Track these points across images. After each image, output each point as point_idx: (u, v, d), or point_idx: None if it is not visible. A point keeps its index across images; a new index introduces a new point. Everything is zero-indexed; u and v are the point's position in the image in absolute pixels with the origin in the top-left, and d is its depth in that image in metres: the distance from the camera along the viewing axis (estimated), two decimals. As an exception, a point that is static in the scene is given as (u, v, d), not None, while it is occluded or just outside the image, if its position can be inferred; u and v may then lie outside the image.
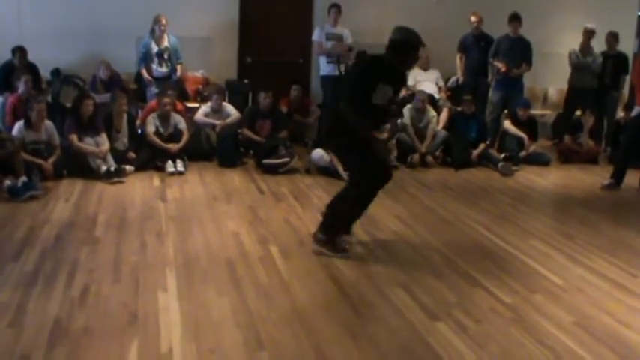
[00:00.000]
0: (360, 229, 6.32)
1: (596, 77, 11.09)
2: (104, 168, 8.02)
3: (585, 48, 11.08)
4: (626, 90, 11.98)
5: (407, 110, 9.72)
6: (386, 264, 5.48)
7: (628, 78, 11.38)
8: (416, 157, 9.38)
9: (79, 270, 5.05)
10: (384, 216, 6.87)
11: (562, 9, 12.78)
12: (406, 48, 5.52)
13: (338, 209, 5.69)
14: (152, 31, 9.85)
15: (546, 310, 4.67)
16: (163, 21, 9.76)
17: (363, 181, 5.62)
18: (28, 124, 7.98)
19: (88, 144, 8.22)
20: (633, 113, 8.65)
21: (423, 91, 10.27)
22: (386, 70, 5.51)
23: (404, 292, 4.86)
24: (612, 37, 11.23)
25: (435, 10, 12.02)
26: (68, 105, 9.15)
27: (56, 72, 10.41)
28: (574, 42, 11.22)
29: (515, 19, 10.72)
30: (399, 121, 9.85)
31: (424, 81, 11.25)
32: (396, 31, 5.58)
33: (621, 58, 11.31)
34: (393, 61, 5.54)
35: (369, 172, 5.59)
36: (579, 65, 11.04)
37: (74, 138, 8.19)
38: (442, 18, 11.72)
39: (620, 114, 10.99)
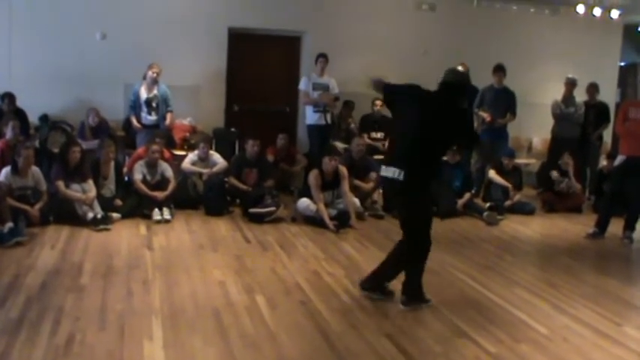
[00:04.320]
0: (345, 279, 6.36)
1: (579, 127, 11.23)
2: (90, 215, 8.01)
3: (568, 98, 11.24)
4: (607, 138, 12.15)
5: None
6: (372, 314, 5.48)
7: (610, 127, 11.57)
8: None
9: (65, 318, 5.03)
10: (369, 265, 6.84)
11: (545, 60, 13.03)
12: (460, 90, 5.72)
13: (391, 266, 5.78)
14: (144, 77, 9.93)
15: (532, 361, 4.69)
16: (155, 69, 9.84)
17: (420, 238, 5.64)
18: (15, 170, 7.98)
19: (74, 190, 8.22)
20: (617, 162, 8.76)
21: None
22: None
23: (390, 343, 4.86)
24: (593, 88, 11.43)
25: (421, 60, 12.19)
26: (56, 151, 9.17)
27: (44, 118, 10.47)
28: (558, 92, 11.40)
29: (499, 69, 10.91)
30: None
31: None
32: (448, 73, 5.76)
33: (602, 108, 11.48)
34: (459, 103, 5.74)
35: (427, 231, 5.65)
36: (562, 115, 11.19)
37: (61, 184, 8.19)
38: (428, 68, 11.82)
39: (603, 162, 11.11)
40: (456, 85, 5.65)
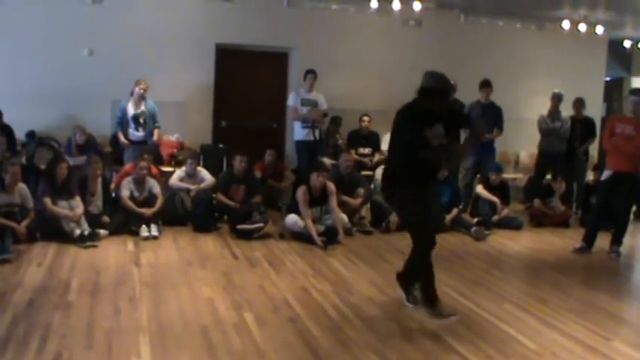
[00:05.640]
0: (333, 295, 6.35)
1: (565, 141, 11.27)
2: (78, 232, 7.98)
3: (554, 113, 11.29)
4: (593, 153, 12.23)
5: (382, 171, 9.86)
6: (360, 330, 5.47)
7: (596, 142, 11.64)
8: (394, 219, 9.15)
9: (52, 335, 4.99)
10: (357, 281, 6.89)
11: (532, 75, 13.12)
12: (437, 94, 5.71)
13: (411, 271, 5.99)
14: (131, 93, 9.91)
15: (521, 376, 4.68)
16: (142, 85, 9.82)
17: (422, 234, 5.85)
18: (2, 187, 7.94)
19: (61, 207, 8.19)
20: (603, 177, 8.79)
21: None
22: (425, 113, 5.66)
23: (378, 359, 4.85)
24: (579, 103, 11.49)
25: (409, 76, 12.16)
26: (42, 167, 9.14)
27: (31, 134, 10.41)
28: (544, 107, 11.45)
29: (486, 85, 10.97)
30: (373, 183, 9.96)
31: (397, 145, 11.37)
32: (426, 77, 5.79)
33: (588, 123, 11.55)
34: (426, 106, 5.70)
35: (427, 224, 5.83)
36: (548, 130, 11.23)
37: (48, 201, 8.15)
38: (416, 84, 11.89)
39: (589, 177, 11.18)
40: (431, 88, 5.71)
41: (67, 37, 10.82)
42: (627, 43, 14.47)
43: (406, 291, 6.02)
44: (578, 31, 12.81)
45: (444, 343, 5.25)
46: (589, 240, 8.78)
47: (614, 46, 14.41)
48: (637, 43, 14.44)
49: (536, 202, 10.64)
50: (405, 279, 6.05)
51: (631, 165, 8.42)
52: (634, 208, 10.20)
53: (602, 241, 8.81)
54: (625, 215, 8.84)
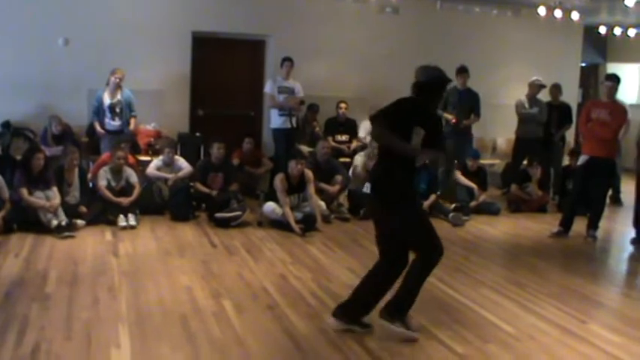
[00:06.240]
0: (312, 282, 6.36)
1: (542, 127, 11.32)
2: (55, 222, 7.93)
3: (531, 99, 11.32)
4: (570, 139, 12.31)
5: (360, 157, 9.88)
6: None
7: (572, 127, 11.73)
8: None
9: (30, 327, 4.96)
10: (336, 268, 6.90)
11: (508, 61, 13.18)
12: (436, 86, 5.38)
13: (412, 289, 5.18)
14: (107, 83, 9.83)
15: (499, 360, 4.71)
16: (118, 74, 9.74)
17: (431, 249, 5.25)
18: (-23, 178, 7.88)
19: (38, 198, 8.12)
20: (580, 162, 8.84)
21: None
22: (419, 113, 5.19)
23: (358, 346, 4.87)
24: (556, 89, 11.55)
25: (385, 63, 12.25)
26: (18, 158, 9.06)
27: (6, 124, 10.31)
28: (521, 93, 11.48)
29: (463, 71, 10.97)
30: (351, 170, 9.98)
31: (375, 133, 11.39)
32: (420, 71, 5.37)
33: (565, 109, 11.61)
34: (424, 102, 5.26)
35: (435, 239, 5.26)
36: (525, 116, 11.26)
37: (24, 192, 8.08)
38: (392, 71, 11.92)
39: (565, 162, 11.25)
40: (428, 81, 5.34)
41: (41, 26, 10.70)
42: (602, 29, 14.55)
43: (402, 319, 5.13)
44: (554, 17, 12.84)
45: (424, 329, 5.26)
46: (566, 225, 8.85)
47: (590, 32, 14.49)
48: (612, 29, 14.53)
49: (514, 187, 10.71)
50: (400, 307, 5.16)
51: (606, 150, 8.50)
52: (610, 192, 10.28)
53: (579, 225, 8.88)
54: (601, 200, 8.90)
